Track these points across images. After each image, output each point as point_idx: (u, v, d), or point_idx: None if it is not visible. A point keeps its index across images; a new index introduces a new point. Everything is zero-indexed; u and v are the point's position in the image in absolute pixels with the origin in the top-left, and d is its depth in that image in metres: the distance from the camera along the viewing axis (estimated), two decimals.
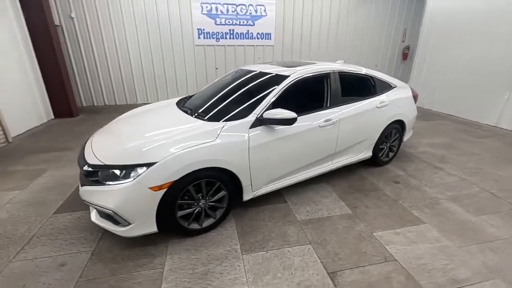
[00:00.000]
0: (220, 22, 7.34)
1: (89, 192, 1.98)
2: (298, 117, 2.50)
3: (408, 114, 3.54)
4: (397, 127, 3.49)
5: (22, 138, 4.73)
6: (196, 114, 2.53)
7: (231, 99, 2.63)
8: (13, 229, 2.33)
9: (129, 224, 1.93)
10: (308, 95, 2.81)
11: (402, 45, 9.06)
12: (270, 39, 7.86)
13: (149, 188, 1.87)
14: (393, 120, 3.35)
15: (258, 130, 2.30)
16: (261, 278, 1.85)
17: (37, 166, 3.58)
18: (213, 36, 7.45)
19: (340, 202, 2.78)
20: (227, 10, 7.27)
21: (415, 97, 3.68)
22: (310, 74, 2.71)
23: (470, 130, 5.30)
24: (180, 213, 2.10)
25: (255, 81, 2.76)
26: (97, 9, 6.54)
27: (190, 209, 2.16)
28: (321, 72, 2.79)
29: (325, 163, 2.95)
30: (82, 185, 2.06)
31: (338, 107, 2.81)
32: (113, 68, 7.07)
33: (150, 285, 1.79)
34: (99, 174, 1.96)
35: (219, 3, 7.16)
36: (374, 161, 3.52)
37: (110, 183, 1.90)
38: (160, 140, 2.06)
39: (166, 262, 1.99)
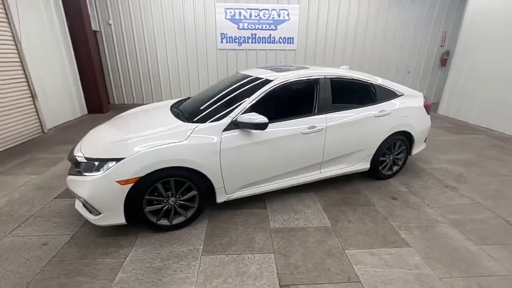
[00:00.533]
0: (243, 26, 7.50)
1: (71, 181, 2.18)
2: (278, 123, 2.48)
3: (416, 125, 3.23)
4: (402, 139, 3.20)
5: (56, 130, 5.37)
6: (180, 115, 2.63)
7: (215, 102, 2.67)
8: (18, 209, 2.66)
9: (100, 213, 2.08)
10: (292, 101, 2.73)
11: (440, 50, 8.27)
12: (293, 43, 7.79)
13: (116, 181, 2.00)
14: (396, 131, 3.08)
15: (233, 133, 2.31)
16: (211, 280, 1.85)
17: (58, 155, 4.03)
18: (236, 41, 7.63)
19: (322, 213, 2.64)
20: (250, 15, 7.40)
21: (427, 107, 3.35)
22: (296, 79, 2.64)
23: (504, 146, 4.63)
24: (148, 208, 2.20)
25: (243, 85, 2.76)
26: (131, 17, 7.15)
27: (159, 206, 2.25)
28: (309, 78, 2.70)
29: (311, 172, 2.84)
30: (69, 174, 2.28)
31: (326, 114, 2.69)
32: (142, 69, 7.65)
33: (108, 272, 1.91)
34: (80, 166, 2.15)
35: (243, 8, 7.32)
36: (374, 174, 3.28)
37: (86, 174, 2.07)
38: (134, 138, 2.19)
39: (130, 253, 2.10)
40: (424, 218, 2.60)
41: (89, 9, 6.52)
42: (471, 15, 6.17)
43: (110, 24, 7.16)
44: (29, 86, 4.76)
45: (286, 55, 7.93)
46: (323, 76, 2.74)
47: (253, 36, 7.62)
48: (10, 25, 4.36)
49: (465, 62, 6.35)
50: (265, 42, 7.71)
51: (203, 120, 2.37)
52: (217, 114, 2.40)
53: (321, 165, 2.85)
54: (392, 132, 3.06)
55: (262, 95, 2.47)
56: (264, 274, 1.91)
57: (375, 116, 2.91)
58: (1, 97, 4.20)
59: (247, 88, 2.63)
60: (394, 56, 8.23)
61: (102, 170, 2.02)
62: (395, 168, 3.38)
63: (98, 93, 6.58)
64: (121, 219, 2.13)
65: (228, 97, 2.62)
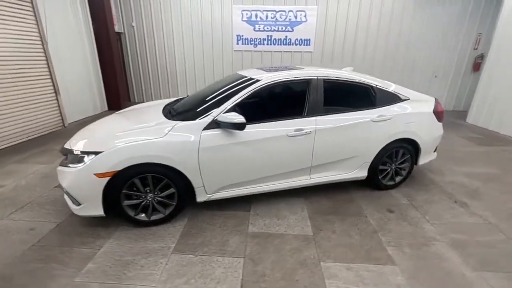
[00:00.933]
0: (259, 28, 7.48)
1: (59, 172, 2.29)
2: (262, 123, 2.41)
3: (423, 132, 2.95)
4: (406, 147, 2.95)
5: (76, 124, 5.74)
6: (169, 113, 2.66)
7: (203, 101, 2.66)
8: (20, 194, 2.86)
9: (80, 204, 2.16)
10: (280, 102, 2.64)
11: (473, 53, 7.57)
12: (309, 45, 7.61)
13: (94, 174, 2.06)
14: (398, 138, 2.84)
15: (213, 132, 2.28)
16: (173, 280, 1.83)
17: None
18: (251, 42, 7.63)
19: (307, 221, 2.51)
20: (267, 17, 7.36)
21: (438, 113, 3.05)
22: (285, 80, 2.55)
23: None
24: (126, 202, 2.25)
25: (234, 85, 2.71)
26: (153, 19, 7.47)
27: (137, 201, 2.28)
28: (299, 78, 2.58)
29: (300, 177, 2.71)
30: (59, 166, 2.40)
31: (316, 117, 2.55)
32: (161, 68, 7.96)
33: (79, 262, 1.97)
34: (67, 158, 2.26)
35: (259, 10, 7.31)
36: (373, 184, 3.05)
37: (70, 165, 2.17)
38: (116, 133, 2.25)
39: (106, 245, 2.15)
40: (421, 235, 2.36)
41: (114, 12, 6.94)
42: (507, 15, 5.57)
43: (133, 26, 7.54)
44: (52, 82, 5.16)
45: (302, 57, 7.77)
46: (315, 77, 2.61)
47: (269, 38, 7.57)
48: (38, 26, 4.77)
49: (498, 67, 5.73)
50: (280, 44, 7.62)
51: (185, 118, 2.38)
52: (200, 113, 2.39)
53: (310, 170, 2.71)
54: (393, 139, 2.83)
55: (247, 95, 2.41)
56: (228, 279, 1.84)
57: (373, 121, 2.71)
58: (27, 92, 4.59)
59: (236, 88, 2.59)
60: (419, 59, 7.69)
61: (83, 162, 2.10)
62: (398, 178, 3.12)
63: (117, 91, 6.95)
64: (99, 211, 2.19)
65: (217, 97, 2.60)
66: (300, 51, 7.71)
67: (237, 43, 7.65)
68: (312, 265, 1.99)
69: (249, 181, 2.54)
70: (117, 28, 7.19)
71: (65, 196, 2.40)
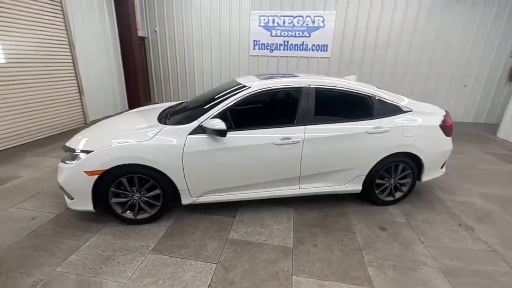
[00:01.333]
0: (276, 33, 7.50)
1: (58, 167, 2.48)
2: (248, 131, 2.42)
3: (426, 146, 2.75)
4: (407, 161, 2.77)
5: (96, 121, 6.16)
6: (163, 117, 2.75)
7: (195, 106, 2.74)
8: (32, 186, 3.14)
9: (72, 198, 2.32)
10: (269, 109, 2.62)
11: (510, 61, 6.90)
12: (327, 50, 7.46)
13: (85, 171, 2.21)
14: (397, 151, 2.68)
15: (199, 137, 2.33)
16: (144, 278, 1.89)
17: None
18: (268, 47, 7.67)
19: (290, 232, 2.46)
20: (284, 22, 7.36)
21: (446, 127, 2.83)
22: (274, 87, 2.53)
23: None
24: (114, 200, 2.37)
25: (227, 92, 2.75)
26: (175, 24, 7.83)
27: (125, 199, 2.39)
28: (289, 86, 2.55)
29: (288, 186, 2.67)
30: (60, 161, 2.61)
31: (305, 126, 2.50)
32: (180, 71, 8.28)
33: (65, 253, 2.11)
34: (66, 155, 2.45)
35: (276, 16, 7.34)
36: (369, 198, 2.91)
37: (67, 162, 2.34)
38: (109, 134, 2.40)
39: (92, 239, 2.29)
40: (409, 257, 2.20)
41: (138, 19, 7.38)
42: None
43: (156, 31, 7.95)
44: (77, 83, 5.60)
45: (319, 62, 7.64)
46: (307, 85, 2.57)
47: (286, 43, 7.55)
48: (67, 31, 5.22)
49: None
50: (297, 50, 7.56)
51: (175, 122, 2.46)
52: (189, 118, 2.46)
53: (299, 180, 2.65)
54: (391, 152, 2.68)
55: (234, 102, 2.43)
56: (195, 284, 1.87)
57: (368, 133, 2.59)
58: (53, 91, 5.04)
59: (226, 95, 2.62)
60: (447, 67, 7.18)
61: (76, 160, 2.25)
62: (397, 194, 2.94)
63: (138, 92, 7.35)
64: (89, 207, 2.33)
65: (208, 103, 2.65)
66: (317, 57, 7.58)
67: (254, 48, 7.73)
68: (283, 278, 1.94)
69: (234, 188, 2.55)
70: (141, 33, 7.64)
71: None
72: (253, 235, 2.41)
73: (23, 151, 4.17)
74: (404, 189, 2.93)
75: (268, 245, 2.29)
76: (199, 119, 2.37)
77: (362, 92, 2.69)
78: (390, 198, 2.94)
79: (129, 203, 2.41)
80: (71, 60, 5.39)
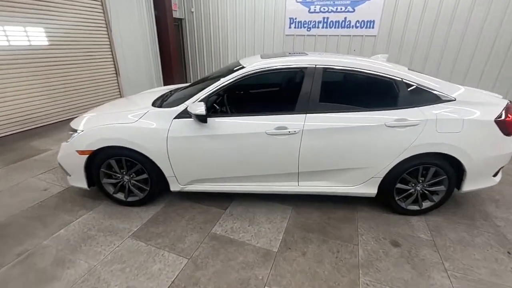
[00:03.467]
0: (314, 9, 6.77)
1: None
2: (239, 117, 2.18)
3: (471, 147, 2.11)
4: (441, 165, 2.18)
5: None
6: (158, 99, 2.64)
7: (191, 89, 2.55)
8: (53, 160, 3.41)
9: (69, 175, 2.41)
10: (265, 94, 2.28)
11: None
12: (373, 27, 6.48)
13: (76, 151, 2.24)
14: (427, 151, 2.12)
15: (184, 121, 2.15)
16: (113, 264, 1.86)
17: None
18: (305, 25, 7.00)
19: (280, 234, 2.18)
20: None
21: (505, 123, 2.12)
22: (272, 68, 2.16)
23: None
24: (105, 181, 2.39)
25: (222, 73, 2.49)
26: (210, 4, 7.67)
27: (115, 180, 2.40)
28: (290, 67, 2.16)
29: (286, 182, 2.35)
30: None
31: (306, 115, 2.11)
32: (215, 51, 8.21)
33: (56, 226, 2.22)
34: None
35: None
36: (389, 205, 2.42)
37: (67, 141, 2.42)
38: (102, 114, 2.38)
39: (84, 216, 2.36)
40: (422, 287, 1.73)
41: (175, 0, 7.41)
42: None
43: (192, 12, 7.92)
44: (114, 64, 5.94)
45: (363, 42, 6.71)
46: (313, 65, 2.14)
47: (325, 20, 6.78)
48: (104, 14, 5.48)
49: None
50: (338, 27, 6.73)
51: (161, 106, 2.32)
52: (178, 101, 2.29)
53: (299, 177, 2.31)
54: (419, 152, 2.12)
55: (223, 84, 2.16)
56: (160, 277, 1.76)
57: (387, 126, 2.08)
58: (92, 72, 5.42)
59: (220, 77, 2.36)
60: None
61: (71, 139, 2.30)
62: (426, 203, 2.38)
63: (172, 72, 7.56)
64: (84, 185, 2.40)
65: (202, 85, 2.43)
66: (361, 35, 6.65)
67: (290, 27, 7.15)
68: (254, 287, 1.71)
69: (225, 178, 2.35)
70: (177, 14, 7.69)
71: None
72: (238, 232, 2.20)
73: (60, 128, 4.60)
74: (435, 198, 2.35)
75: (251, 245, 2.06)
76: (186, 102, 2.19)
77: (385, 75, 2.15)
78: (415, 207, 2.40)
79: (119, 184, 2.42)
80: (108, 42, 5.69)
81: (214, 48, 8.15)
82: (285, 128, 2.10)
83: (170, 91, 3.03)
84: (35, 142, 3.94)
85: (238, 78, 2.16)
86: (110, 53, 5.78)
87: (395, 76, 2.15)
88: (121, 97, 6.23)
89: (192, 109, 2.00)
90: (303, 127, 2.10)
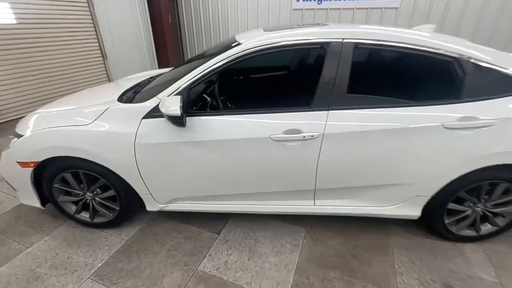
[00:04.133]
0: None
1: None
2: (234, 116, 1.55)
3: None
4: None
5: None
6: (129, 91, 2.02)
7: (170, 74, 1.92)
8: None
9: (15, 190, 1.87)
10: (269, 83, 1.64)
11: None
12: None
13: (17, 162, 1.68)
14: (502, 163, 1.49)
15: (158, 122, 1.54)
16: None
17: None
18: None
19: (289, 274, 1.62)
20: None
21: None
22: (279, 44, 1.50)
23: None
24: (62, 198, 1.84)
25: (215, 53, 1.84)
26: None
27: (75, 198, 1.85)
28: (305, 42, 1.49)
29: (298, 201, 1.76)
30: None
31: (328, 112, 1.48)
32: (214, 29, 7.42)
33: (2, 258, 1.71)
34: None
35: None
36: (432, 228, 1.83)
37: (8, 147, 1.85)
38: (49, 112, 1.79)
39: (36, 243, 1.83)
40: None
41: None
42: None
43: None
44: (100, 46, 5.25)
45: (382, 15, 5.83)
46: (338, 40, 1.47)
47: None
48: None
49: None
50: None
51: (127, 100, 1.71)
52: (150, 93, 1.68)
53: (315, 194, 1.72)
54: (490, 164, 1.49)
55: (210, 69, 1.53)
56: None
57: (446, 128, 1.44)
58: (74, 55, 4.77)
59: (208, 59, 1.71)
60: None
61: (10, 146, 1.73)
62: (485, 227, 1.77)
63: (167, 51, 6.87)
64: (36, 203, 1.85)
65: (184, 70, 1.80)
66: (380, 7, 5.76)
67: (297, 0, 6.27)
68: None
69: (217, 196, 1.78)
70: None
71: None
72: (234, 269, 1.65)
73: None
74: (500, 222, 1.74)
75: None
76: (159, 96, 1.57)
77: (442, 51, 1.46)
78: (472, 233, 1.80)
79: (80, 203, 1.87)
80: (90, 20, 4.98)
81: (214, 25, 7.33)
82: (298, 131, 1.48)
83: (150, 77, 2.41)
84: None
85: (230, 61, 1.52)
86: (94, 32, 5.08)
87: (457, 53, 1.46)
88: (109, 82, 5.61)
89: (164, 106, 1.38)
90: (323, 129, 1.47)
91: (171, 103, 1.36)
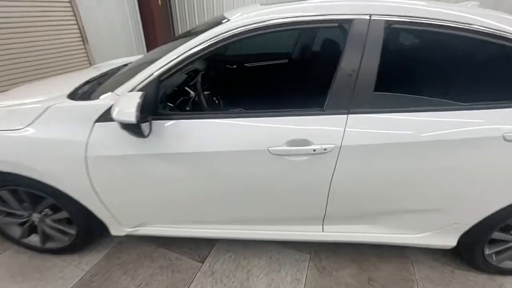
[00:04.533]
0: None
1: None
2: (218, 120, 1.15)
3: None
4: None
5: None
6: (83, 84, 1.58)
7: (139, 62, 1.50)
8: None
9: None
10: (265, 75, 1.23)
11: None
12: None
13: None
14: None
15: (117, 127, 1.13)
16: None
17: None
18: None
19: None
20: None
21: None
22: (280, 22, 1.08)
23: None
24: (2, 220, 1.45)
25: (199, 31, 1.42)
26: None
27: (18, 220, 1.45)
28: (316, 19, 1.07)
29: (304, 226, 1.40)
30: None
31: (347, 116, 1.08)
32: (207, 7, 6.90)
33: None
34: None
35: None
36: (467, 258, 1.49)
37: None
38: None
39: None
40: None
41: None
42: None
43: None
44: (79, 28, 4.72)
45: None
46: (365, 16, 1.05)
47: None
48: None
49: None
50: None
51: (83, 95, 1.30)
52: (107, 87, 1.26)
53: (324, 220, 1.35)
54: None
55: (188, 53, 1.11)
56: None
57: (507, 140, 1.06)
58: (51, 39, 4.26)
59: (184, 42, 1.29)
60: None
61: None
62: None
63: (156, 33, 6.37)
64: None
65: (154, 57, 1.37)
66: None
67: None
68: None
69: (198, 220, 1.40)
70: None
71: None
72: None
73: None
74: None
75: None
76: (116, 91, 1.15)
77: (498, 33, 1.05)
78: None
79: (26, 225, 1.48)
80: (68, 1, 4.43)
81: (207, 7, 6.81)
82: (306, 142, 1.08)
83: (124, 65, 1.99)
84: None
85: (215, 43, 1.10)
86: (71, 13, 4.54)
87: None
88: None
89: (116, 109, 0.97)
90: (341, 140, 1.08)
91: (126, 105, 0.95)
